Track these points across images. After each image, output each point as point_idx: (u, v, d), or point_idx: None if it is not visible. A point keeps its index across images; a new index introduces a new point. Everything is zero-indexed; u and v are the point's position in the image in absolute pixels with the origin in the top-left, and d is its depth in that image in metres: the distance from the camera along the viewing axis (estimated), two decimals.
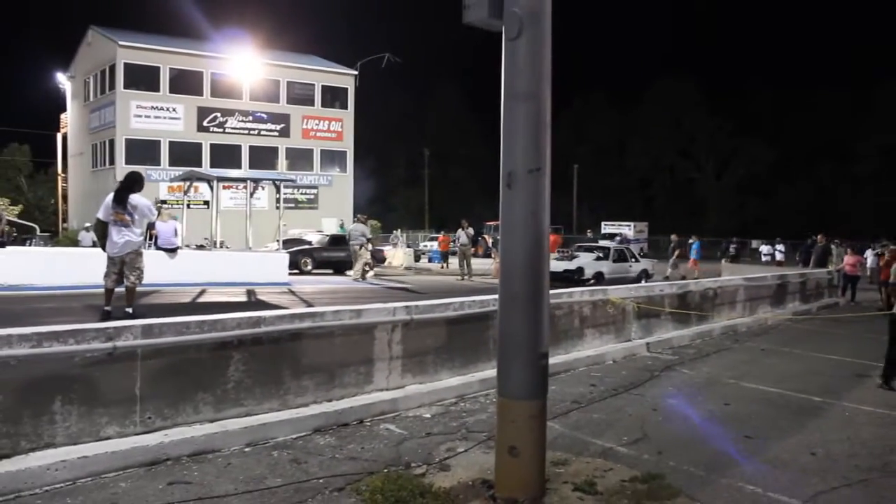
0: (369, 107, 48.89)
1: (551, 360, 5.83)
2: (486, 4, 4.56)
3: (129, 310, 9.31)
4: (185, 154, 36.38)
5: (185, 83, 37.63)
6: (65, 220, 43.82)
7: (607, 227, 51.95)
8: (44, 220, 46.10)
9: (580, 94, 70.28)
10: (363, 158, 45.67)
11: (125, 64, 36.10)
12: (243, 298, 14.45)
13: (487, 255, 32.67)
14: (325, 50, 50.56)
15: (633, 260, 23.60)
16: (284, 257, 18.62)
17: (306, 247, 23.97)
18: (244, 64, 38.06)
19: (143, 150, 36.21)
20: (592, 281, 20.17)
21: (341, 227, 29.74)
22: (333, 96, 42.39)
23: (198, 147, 37.66)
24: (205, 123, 38.03)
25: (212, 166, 34.98)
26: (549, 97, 4.63)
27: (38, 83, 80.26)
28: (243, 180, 24.02)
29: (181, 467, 4.99)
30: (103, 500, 4.42)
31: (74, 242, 26.79)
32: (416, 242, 43.43)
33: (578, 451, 5.66)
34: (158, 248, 15.38)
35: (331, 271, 23.37)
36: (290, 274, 18.89)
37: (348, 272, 21.57)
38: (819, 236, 22.89)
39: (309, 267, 22.78)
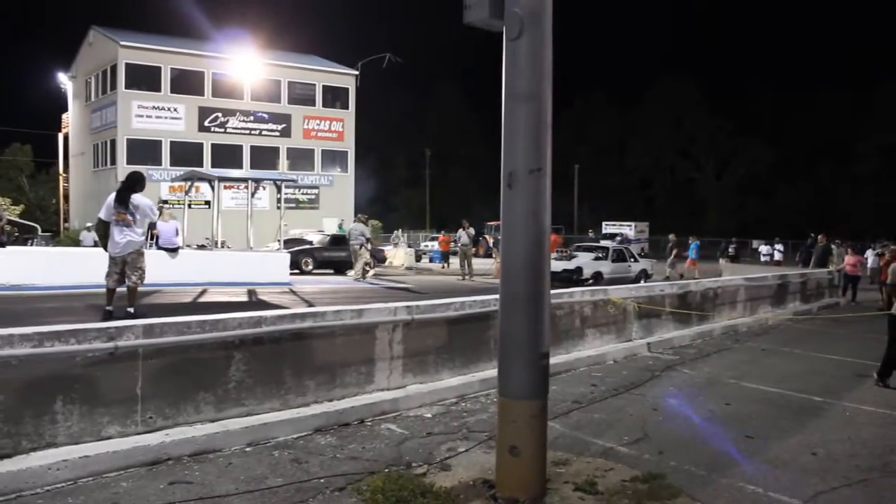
0: (370, 107, 48.95)
1: (552, 360, 5.83)
2: (487, 4, 4.57)
3: (131, 309, 9.32)
4: (186, 154, 36.40)
5: (186, 83, 37.65)
6: (66, 220, 43.84)
7: (608, 227, 51.99)
8: (45, 219, 46.17)
9: (581, 95, 70.45)
10: (364, 158, 45.73)
11: (126, 64, 36.12)
12: (244, 298, 14.45)
13: (488, 255, 32.67)
14: (326, 50, 50.70)
15: (632, 260, 23.56)
16: (285, 257, 18.62)
17: (307, 247, 23.98)
18: (245, 64, 38.08)
19: (145, 150, 36.23)
20: (591, 281, 20.15)
21: (340, 227, 29.74)
22: (334, 96, 42.40)
23: (199, 147, 37.67)
24: (206, 123, 38.05)
25: (213, 166, 34.99)
26: (550, 97, 4.63)
27: (40, 83, 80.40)
28: (244, 180, 24.02)
29: (182, 467, 5.00)
30: (104, 499, 4.42)
31: (76, 242, 26.81)
32: (416, 242, 43.43)
33: (579, 451, 5.66)
34: (160, 247, 15.39)
35: (331, 271, 23.38)
36: (291, 274, 18.90)
37: (349, 272, 21.57)
38: (820, 236, 22.87)
39: (310, 267, 22.79)
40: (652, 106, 69.25)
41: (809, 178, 62.40)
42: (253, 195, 20.38)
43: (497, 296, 4.98)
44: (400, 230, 42.31)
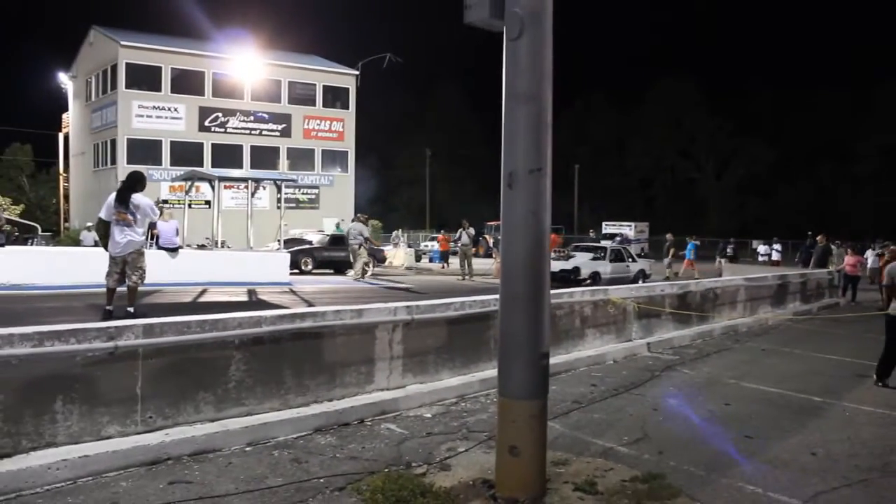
0: (370, 107, 48.93)
1: (552, 360, 5.83)
2: (488, 5, 4.57)
3: (131, 309, 9.32)
4: (186, 154, 36.41)
5: (186, 83, 37.66)
6: (66, 220, 43.85)
7: (608, 228, 51.99)
8: (45, 219, 46.18)
9: (581, 95, 70.48)
10: (364, 158, 45.72)
11: (127, 64, 36.13)
12: (244, 298, 14.46)
13: (488, 255, 32.67)
14: (327, 50, 50.69)
15: (630, 260, 23.48)
16: (285, 257, 18.63)
17: (307, 246, 23.98)
18: (246, 64, 38.09)
19: (145, 150, 36.25)
20: (589, 281, 20.10)
21: (337, 226, 29.74)
22: (335, 96, 42.41)
23: (199, 147, 37.69)
24: (206, 123, 38.06)
25: (213, 166, 35.00)
26: (550, 97, 4.63)
27: (40, 83, 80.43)
28: (245, 180, 24.03)
29: (182, 467, 5.00)
30: (104, 499, 4.43)
31: (76, 242, 26.81)
32: (417, 242, 43.43)
33: (579, 451, 5.66)
34: (160, 247, 15.40)
35: (331, 271, 23.38)
36: (291, 274, 18.90)
37: (349, 272, 21.57)
38: (820, 237, 22.87)
39: (309, 266, 22.79)
40: (652, 106, 69.25)
41: (809, 178, 62.40)
42: (253, 195, 20.38)
43: (497, 296, 4.99)
44: (400, 230, 42.30)
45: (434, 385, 7.24)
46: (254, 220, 19.68)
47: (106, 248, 9.47)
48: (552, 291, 5.40)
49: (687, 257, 26.94)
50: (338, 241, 23.95)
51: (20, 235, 27.51)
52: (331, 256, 23.59)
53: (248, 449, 5.42)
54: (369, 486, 4.69)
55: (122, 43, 36.22)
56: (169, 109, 37.08)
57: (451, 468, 5.20)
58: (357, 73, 42.32)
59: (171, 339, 5.39)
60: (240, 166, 37.21)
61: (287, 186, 27.50)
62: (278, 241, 20.76)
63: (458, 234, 24.88)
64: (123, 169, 31.84)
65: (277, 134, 40.16)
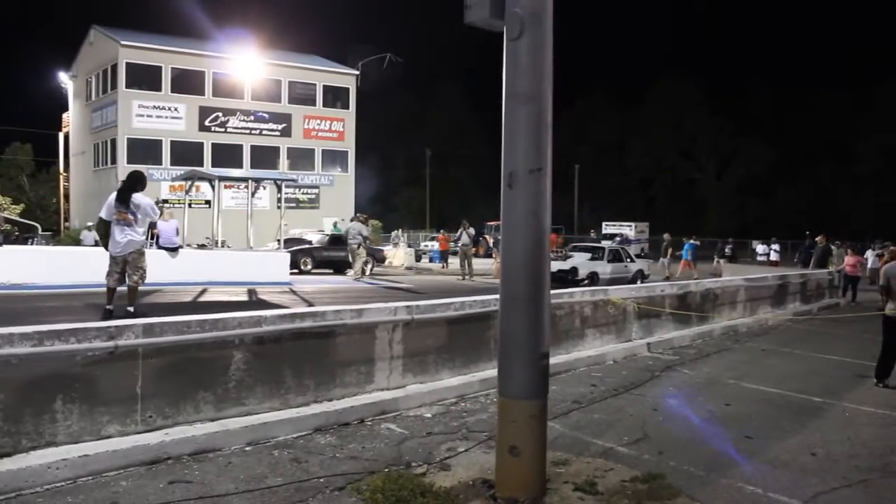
0: (371, 107, 48.91)
1: (552, 360, 5.83)
2: (488, 5, 4.57)
3: (131, 309, 9.32)
4: (186, 153, 36.41)
5: (186, 83, 37.65)
6: (66, 220, 43.85)
7: (608, 228, 52.00)
8: (46, 219, 46.17)
9: (581, 95, 70.34)
10: (364, 158, 45.66)
11: (127, 63, 36.12)
12: (244, 298, 14.45)
13: (488, 255, 32.65)
14: (327, 50, 50.58)
15: (629, 260, 23.40)
16: (285, 257, 18.62)
17: (306, 246, 23.97)
18: (246, 64, 38.08)
19: (145, 150, 36.25)
20: (586, 281, 20.03)
21: (335, 225, 29.72)
22: (335, 96, 42.41)
23: (199, 147, 37.69)
24: (206, 123, 38.06)
25: (213, 166, 35.00)
26: (551, 97, 4.63)
27: (40, 83, 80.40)
28: (245, 180, 24.01)
29: (182, 466, 5.00)
30: (104, 498, 4.43)
31: (76, 241, 26.80)
32: (417, 242, 43.43)
33: (579, 451, 5.66)
34: (160, 247, 15.39)
35: (331, 271, 23.37)
36: (290, 273, 18.89)
37: (348, 272, 21.57)
38: (820, 237, 22.87)
39: (309, 266, 22.78)
40: (652, 106, 69.18)
41: (810, 178, 62.35)
42: (253, 195, 20.38)
43: (497, 296, 4.99)
44: (400, 230, 42.30)
45: (434, 385, 7.24)
46: (254, 220, 19.68)
47: (106, 248, 9.47)
48: (552, 291, 5.40)
49: (684, 258, 26.94)
50: (337, 240, 23.94)
51: (20, 235, 27.50)
52: (330, 256, 23.57)
53: (248, 448, 5.42)
54: (369, 485, 4.69)
55: (123, 42, 36.22)
56: (169, 109, 37.08)
57: (451, 468, 5.20)
58: (357, 72, 42.33)
59: (171, 339, 5.39)
60: (240, 166, 37.21)
61: (287, 186, 27.50)
62: (278, 240, 20.75)
63: (458, 234, 24.87)
64: (124, 168, 31.85)
65: (277, 134, 40.17)
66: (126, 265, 9.36)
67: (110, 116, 37.34)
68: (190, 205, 22.04)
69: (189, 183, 22.26)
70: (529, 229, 4.61)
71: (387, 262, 27.78)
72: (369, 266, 21.91)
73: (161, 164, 36.36)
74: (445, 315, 7.62)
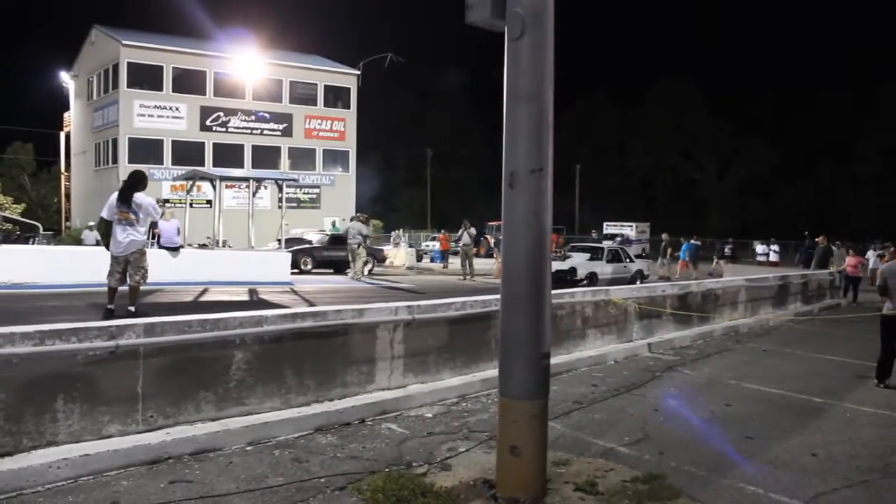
0: (372, 107, 48.92)
1: (553, 360, 5.83)
2: (489, 5, 4.58)
3: (132, 308, 9.33)
4: (187, 153, 36.42)
5: (188, 82, 37.68)
6: (68, 219, 43.88)
7: (609, 228, 51.97)
8: (47, 218, 46.18)
9: (582, 95, 70.32)
10: (365, 158, 45.69)
11: (128, 63, 36.16)
12: (245, 297, 14.46)
13: (489, 255, 32.65)
14: (328, 50, 50.67)
15: (628, 260, 23.32)
16: (286, 256, 18.63)
17: (306, 246, 23.96)
18: (247, 63, 38.10)
19: (146, 150, 36.28)
20: (585, 282, 19.98)
21: (334, 225, 29.70)
22: (336, 96, 42.42)
23: (201, 146, 37.71)
24: (208, 123, 38.09)
25: (214, 165, 35.02)
26: (552, 97, 4.63)
27: (42, 82, 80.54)
28: (246, 180, 24.05)
29: (183, 466, 5.00)
30: (105, 498, 4.43)
31: (77, 241, 26.79)
32: (418, 242, 43.44)
33: (580, 452, 5.66)
34: (161, 246, 15.40)
35: (331, 271, 23.37)
36: (291, 273, 18.89)
37: (348, 271, 21.56)
38: (821, 237, 22.86)
39: (309, 266, 22.77)
40: (653, 106, 69.13)
41: (810, 178, 62.32)
42: (254, 194, 20.39)
43: (498, 296, 4.99)
44: (401, 230, 42.31)
45: (435, 385, 7.25)
46: (255, 220, 19.70)
47: (108, 248, 9.47)
48: (553, 292, 5.40)
49: (681, 258, 26.93)
50: (337, 240, 23.94)
51: (21, 234, 27.50)
52: (330, 256, 23.57)
53: (248, 448, 5.43)
54: (370, 485, 4.69)
55: (124, 42, 36.25)
56: (170, 109, 37.11)
57: (451, 468, 5.20)
58: (358, 72, 42.33)
59: (172, 339, 5.39)
60: (241, 166, 37.23)
61: (288, 186, 27.50)
62: (278, 240, 20.75)
63: (459, 234, 24.87)
64: (125, 168, 31.88)
65: (279, 133, 40.18)
66: (128, 265, 9.36)
67: (111, 116, 37.37)
68: (191, 204, 22.07)
69: (190, 183, 22.28)
70: (530, 229, 4.61)
71: (388, 262, 27.78)
72: (369, 266, 21.90)
73: (162, 163, 36.39)
74: (446, 315, 7.62)
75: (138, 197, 9.36)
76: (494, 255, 28.25)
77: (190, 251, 17.16)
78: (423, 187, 63.79)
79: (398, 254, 30.26)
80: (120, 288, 9.51)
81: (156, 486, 4.61)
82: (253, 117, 39.31)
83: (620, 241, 35.42)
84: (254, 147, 39.16)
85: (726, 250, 35.98)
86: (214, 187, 19.95)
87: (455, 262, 27.64)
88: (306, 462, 5.21)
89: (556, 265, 20.64)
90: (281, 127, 40.14)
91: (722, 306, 13.53)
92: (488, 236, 39.16)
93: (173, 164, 36.04)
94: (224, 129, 38.54)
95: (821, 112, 61.80)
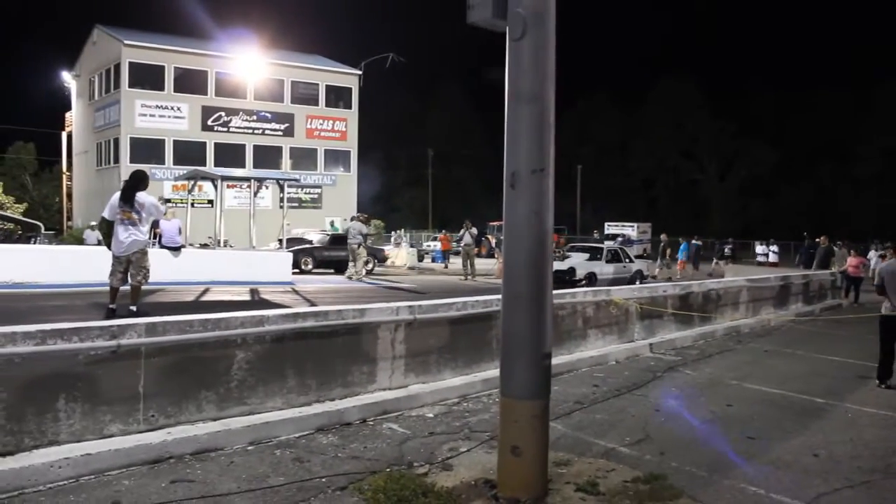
0: (373, 107, 48.92)
1: (554, 361, 5.83)
2: (491, 5, 4.57)
3: (134, 308, 9.33)
4: (189, 153, 36.44)
5: (189, 82, 37.70)
6: (69, 219, 43.92)
7: (611, 228, 51.95)
8: (48, 218, 46.19)
9: (583, 95, 70.34)
10: (367, 158, 45.71)
11: (130, 63, 36.18)
12: (247, 297, 14.47)
13: (490, 256, 32.66)
14: (330, 50, 50.70)
15: (628, 260, 23.25)
16: (288, 256, 18.64)
17: (307, 246, 23.96)
18: (249, 63, 38.12)
19: (148, 149, 36.30)
20: (584, 282, 19.94)
21: (332, 225, 29.68)
22: (337, 96, 42.43)
23: (202, 146, 37.73)
24: (209, 122, 38.10)
25: (216, 165, 35.02)
26: (553, 97, 4.63)
27: (44, 82, 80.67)
28: (247, 179, 24.02)
29: (184, 465, 5.01)
30: (106, 497, 4.43)
31: (79, 241, 26.79)
32: (419, 242, 43.45)
33: (581, 452, 5.66)
34: (162, 246, 15.41)
35: (332, 271, 23.37)
36: (292, 273, 18.89)
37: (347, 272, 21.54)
38: (822, 238, 22.85)
39: (310, 266, 22.77)
40: (654, 107, 69.12)
41: (811, 179, 62.27)
42: (256, 194, 20.40)
43: (499, 296, 4.99)
44: (402, 230, 42.32)
45: (436, 385, 7.25)
46: (256, 220, 19.70)
47: (109, 248, 9.48)
48: (554, 291, 5.40)
49: (679, 258, 26.89)
50: (338, 240, 23.94)
51: (23, 234, 27.52)
52: (331, 256, 23.57)
53: (250, 448, 5.43)
54: (371, 485, 4.69)
55: (126, 42, 36.27)
56: (172, 108, 37.12)
57: (452, 468, 5.20)
58: (360, 72, 42.33)
59: (173, 338, 5.39)
60: (242, 166, 37.23)
61: (290, 186, 27.49)
62: (279, 240, 20.76)
63: (460, 234, 24.86)
64: (126, 168, 31.90)
65: (280, 133, 40.19)
66: (129, 265, 9.37)
67: (113, 116, 37.39)
68: (192, 204, 22.08)
69: (192, 182, 22.28)
70: (532, 229, 4.61)
71: (389, 262, 27.78)
72: (370, 266, 21.88)
73: (164, 163, 36.40)
74: (448, 315, 7.62)
75: (141, 196, 9.36)
76: (496, 256, 28.26)
77: (191, 251, 17.17)
78: (425, 187, 63.81)
79: (399, 254, 30.26)
80: (122, 288, 9.52)
81: (157, 486, 4.62)
82: (254, 117, 39.33)
83: (621, 242, 35.41)
84: (255, 147, 39.17)
85: (726, 251, 35.96)
86: (216, 187, 19.96)
87: (456, 263, 27.64)
88: (307, 462, 5.21)
89: (555, 265, 20.55)
90: (282, 127, 40.16)
91: (723, 306, 13.52)
92: (490, 236, 39.16)
93: (175, 163, 36.06)
94: (225, 129, 38.56)
95: (821, 112, 61.77)
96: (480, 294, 8.76)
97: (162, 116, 36.92)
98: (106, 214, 9.41)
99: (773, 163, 63.50)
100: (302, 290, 16.29)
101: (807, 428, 6.69)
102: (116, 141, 36.88)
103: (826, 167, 61.38)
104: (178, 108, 37.29)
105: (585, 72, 72.59)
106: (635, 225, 52.98)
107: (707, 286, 13.52)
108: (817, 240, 23.75)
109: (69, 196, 45.36)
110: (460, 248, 24.48)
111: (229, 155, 37.26)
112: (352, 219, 22.70)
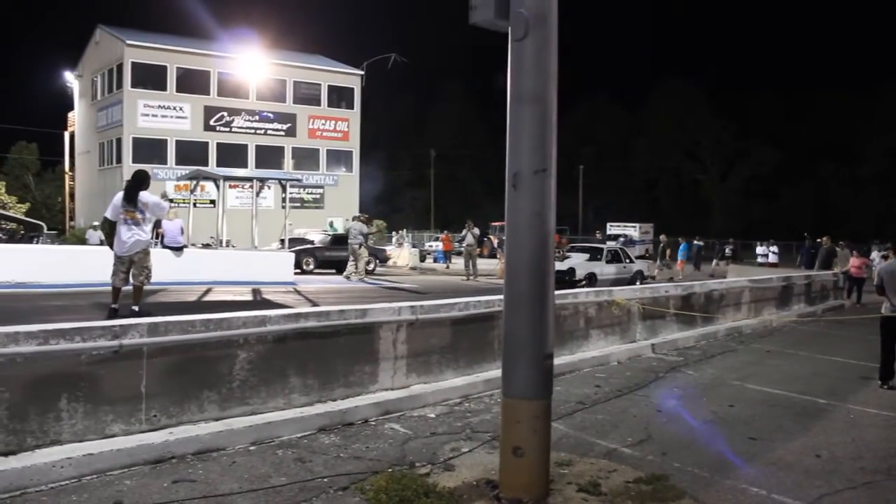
0: (375, 107, 48.95)
1: (556, 361, 5.82)
2: (493, 5, 4.58)
3: (136, 308, 9.34)
4: (191, 153, 36.46)
5: (192, 82, 37.73)
6: (72, 219, 43.97)
7: (613, 229, 51.87)
8: (51, 217, 46.24)
9: (586, 96, 70.34)
10: (369, 158, 45.72)
11: (132, 63, 36.22)
12: (249, 297, 14.48)
13: (493, 256, 32.65)
14: (332, 50, 50.72)
15: (628, 261, 23.18)
16: (290, 257, 18.65)
17: (309, 246, 23.97)
18: (251, 63, 38.14)
19: (150, 149, 36.34)
20: (584, 282, 19.90)
21: (331, 225, 29.69)
22: (340, 96, 42.44)
23: (204, 146, 37.75)
24: (211, 123, 38.13)
25: (218, 165, 35.01)
26: (555, 98, 4.63)
27: (46, 82, 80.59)
28: (249, 179, 24.06)
29: (186, 465, 5.01)
30: (108, 497, 4.44)
31: (81, 240, 26.84)
32: (421, 242, 43.45)
33: (583, 452, 5.66)
34: (164, 246, 15.42)
35: (333, 271, 23.38)
36: (294, 273, 18.89)
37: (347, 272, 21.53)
38: (825, 238, 22.81)
39: (311, 266, 22.78)
40: (657, 107, 69.12)
41: (813, 179, 62.19)
42: (258, 194, 20.43)
43: (501, 296, 4.98)
44: (404, 230, 42.32)
45: (438, 385, 7.25)
46: (258, 220, 19.72)
47: (111, 248, 9.49)
48: (556, 292, 5.40)
49: (679, 258, 26.86)
50: (339, 240, 23.94)
51: (26, 234, 27.55)
52: (332, 256, 23.57)
53: (252, 448, 5.43)
54: (373, 485, 4.69)
55: (128, 42, 36.31)
56: (174, 109, 37.15)
57: (454, 468, 5.20)
58: (362, 72, 42.36)
59: (175, 338, 5.40)
60: (245, 166, 37.24)
61: (292, 186, 27.45)
62: (280, 240, 20.77)
63: (462, 235, 24.86)
64: (129, 168, 31.95)
65: (282, 133, 40.21)
66: (132, 265, 9.37)
67: (116, 116, 37.43)
68: (195, 204, 22.09)
69: (194, 182, 22.29)
70: (534, 230, 4.61)
71: (391, 263, 27.78)
72: (371, 266, 21.88)
73: (166, 163, 36.44)
74: (450, 315, 7.62)
75: (144, 195, 9.37)
76: (498, 256, 28.28)
77: (193, 251, 17.16)
78: (427, 187, 63.84)
79: (401, 254, 30.28)
80: (124, 288, 9.53)
81: (159, 486, 4.62)
82: (256, 117, 39.34)
83: (623, 242, 35.36)
84: (257, 147, 39.19)
85: (727, 251, 35.92)
86: (218, 187, 19.99)
87: (458, 263, 27.62)
88: (309, 462, 5.21)
89: (556, 265, 20.52)
90: (284, 127, 40.17)
91: (725, 307, 13.51)
92: (492, 237, 39.16)
93: (177, 163, 36.09)
94: (228, 129, 38.59)
95: (823, 113, 61.70)
96: (482, 294, 8.76)
97: (164, 116, 36.96)
98: (108, 214, 9.42)
99: (775, 163, 63.42)
100: (304, 290, 16.30)
101: (809, 429, 6.68)
102: (119, 141, 36.91)
103: (827, 167, 61.30)
104: (181, 108, 37.32)
105: (588, 72, 72.59)
106: (637, 225, 52.89)
107: (709, 287, 13.51)
108: (819, 240, 23.71)
109: (72, 196, 45.41)
110: (462, 249, 24.46)
111: (231, 155, 37.28)
112: (353, 219, 22.71)
